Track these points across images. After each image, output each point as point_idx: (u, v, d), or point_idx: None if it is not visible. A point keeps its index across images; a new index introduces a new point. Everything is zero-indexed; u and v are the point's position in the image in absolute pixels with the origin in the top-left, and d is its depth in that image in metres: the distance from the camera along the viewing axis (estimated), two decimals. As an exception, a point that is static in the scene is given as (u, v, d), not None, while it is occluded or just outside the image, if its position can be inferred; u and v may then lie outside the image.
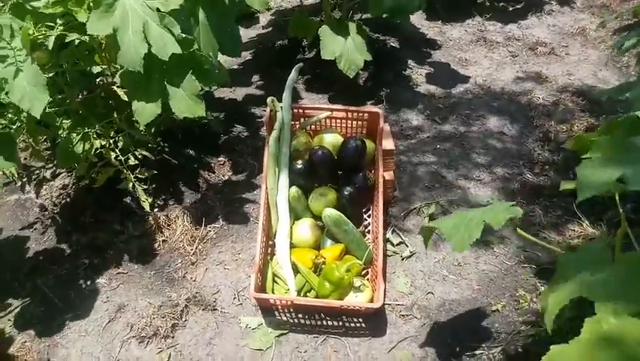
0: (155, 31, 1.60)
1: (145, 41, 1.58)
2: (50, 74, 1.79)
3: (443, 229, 1.36)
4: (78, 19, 1.60)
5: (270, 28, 3.20)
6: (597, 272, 1.14)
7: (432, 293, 1.82)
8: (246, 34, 3.16)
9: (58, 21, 1.70)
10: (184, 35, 1.68)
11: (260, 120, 2.51)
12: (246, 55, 2.98)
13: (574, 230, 1.95)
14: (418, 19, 3.20)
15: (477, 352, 1.64)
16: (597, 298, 1.06)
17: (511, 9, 3.27)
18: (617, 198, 1.36)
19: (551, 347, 0.98)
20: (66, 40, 1.73)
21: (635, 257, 1.15)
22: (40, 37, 1.65)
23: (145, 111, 1.73)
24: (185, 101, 1.74)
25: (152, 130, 2.17)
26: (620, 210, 1.32)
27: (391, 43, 3.01)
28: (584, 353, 0.95)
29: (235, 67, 2.88)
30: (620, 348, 0.92)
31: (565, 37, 3.03)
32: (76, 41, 1.78)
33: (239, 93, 2.71)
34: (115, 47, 1.59)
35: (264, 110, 2.32)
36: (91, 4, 1.60)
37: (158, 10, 1.62)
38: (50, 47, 1.64)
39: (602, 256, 1.20)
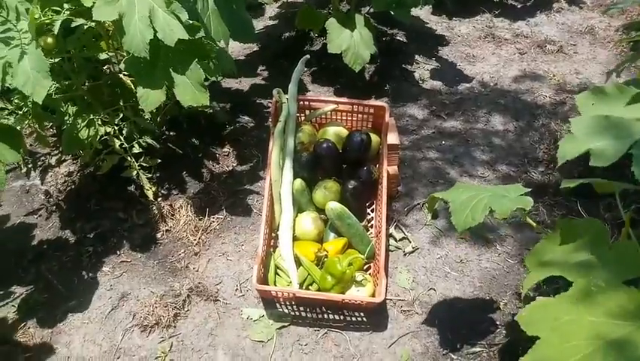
0: (162, 16, 1.59)
1: (151, 27, 1.58)
2: (56, 60, 1.79)
3: (451, 202, 1.36)
4: (83, 3, 1.60)
5: (278, 20, 3.19)
6: (592, 256, 1.17)
7: (434, 289, 1.82)
8: (254, 25, 3.14)
9: (65, 5, 1.70)
10: (191, 21, 1.68)
11: (265, 111, 2.51)
12: (253, 46, 2.97)
13: (577, 230, 1.95)
14: (426, 14, 3.19)
15: (477, 349, 1.65)
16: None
17: (520, 6, 3.25)
18: (617, 198, 1.36)
19: (537, 297, 1.02)
20: (72, 26, 1.73)
21: (630, 244, 1.17)
22: (46, 21, 1.64)
23: (150, 98, 1.73)
24: (189, 90, 1.74)
25: (158, 119, 2.17)
26: (622, 212, 1.32)
27: (399, 38, 2.99)
28: (568, 307, 1.01)
29: (242, 58, 2.88)
30: (604, 307, 0.95)
31: (573, 36, 3.01)
32: (84, 27, 1.78)
33: (245, 84, 2.71)
34: (120, 33, 1.59)
35: (270, 102, 2.32)
36: (97, -11, 1.60)
37: None
38: (56, 32, 1.64)
39: (598, 240, 1.23)
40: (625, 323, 0.95)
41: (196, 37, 1.70)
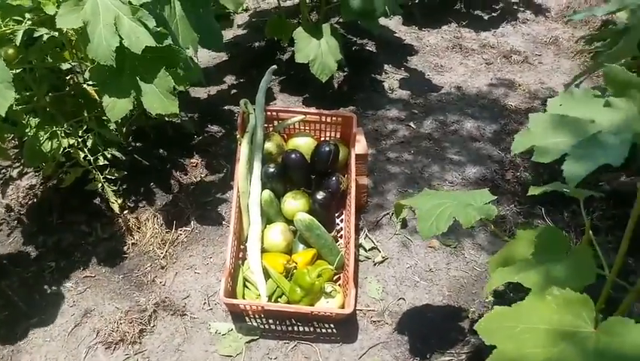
0: (127, 24, 1.56)
1: (117, 34, 1.55)
2: (17, 71, 1.74)
3: (417, 209, 1.37)
4: (46, 11, 1.56)
5: (247, 29, 3.18)
6: (550, 263, 1.20)
7: (403, 299, 1.82)
8: (224, 34, 3.12)
9: (27, 15, 1.66)
10: (158, 28, 1.65)
11: (235, 121, 2.48)
12: (222, 55, 2.95)
13: (543, 237, 1.98)
14: (395, 24, 3.22)
15: (446, 358, 1.65)
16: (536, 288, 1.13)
17: (486, 17, 3.31)
18: (582, 205, 1.39)
19: (495, 307, 1.03)
20: (34, 36, 1.69)
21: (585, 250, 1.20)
22: (7, 32, 1.60)
23: (116, 107, 1.69)
24: (158, 98, 1.70)
25: (124, 129, 2.14)
26: (585, 218, 1.34)
27: (368, 48, 3.01)
28: (523, 316, 1.03)
29: (211, 67, 2.85)
30: (558, 315, 0.99)
31: (538, 46, 3.08)
32: (45, 37, 1.74)
33: (214, 93, 2.68)
34: (84, 41, 1.56)
35: (239, 111, 2.30)
36: (59, -4, 1.56)
37: (130, 3, 1.58)
38: (18, 43, 1.60)
39: (556, 246, 1.26)
40: (578, 330, 0.97)
41: (164, 44, 1.67)
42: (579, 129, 1.02)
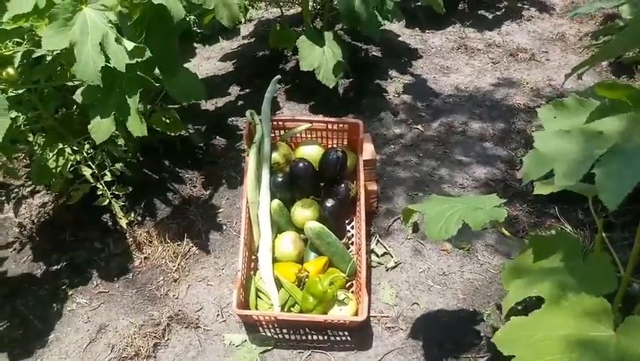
0: (114, 43, 1.56)
1: (102, 54, 1.54)
2: (21, 91, 1.76)
3: (425, 214, 1.36)
4: (38, 33, 1.57)
5: (252, 39, 3.20)
6: (566, 272, 1.17)
7: (417, 304, 1.80)
8: (229, 45, 3.16)
9: (26, 37, 1.67)
10: (132, 45, 1.64)
11: (242, 132, 2.49)
12: (228, 66, 2.97)
13: (557, 236, 1.95)
14: (399, 27, 3.22)
15: (463, 362, 1.63)
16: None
17: (491, 16, 3.29)
18: (590, 202, 1.37)
19: (511, 318, 1.03)
20: (33, 56, 1.71)
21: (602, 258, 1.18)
22: (6, 54, 1.62)
23: (101, 129, 1.70)
24: (135, 120, 1.71)
25: (132, 145, 2.15)
26: (596, 217, 1.32)
27: (373, 53, 3.01)
28: (541, 324, 1.03)
29: (217, 79, 2.87)
30: (574, 320, 0.99)
31: (545, 43, 3.05)
32: (49, 57, 1.76)
33: (220, 105, 2.69)
34: (71, 61, 1.55)
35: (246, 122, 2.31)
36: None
37: (112, 21, 1.58)
38: (16, 64, 1.61)
39: (571, 254, 1.23)
40: (595, 333, 0.95)
41: (144, 58, 1.64)
42: (593, 144, 0.98)
